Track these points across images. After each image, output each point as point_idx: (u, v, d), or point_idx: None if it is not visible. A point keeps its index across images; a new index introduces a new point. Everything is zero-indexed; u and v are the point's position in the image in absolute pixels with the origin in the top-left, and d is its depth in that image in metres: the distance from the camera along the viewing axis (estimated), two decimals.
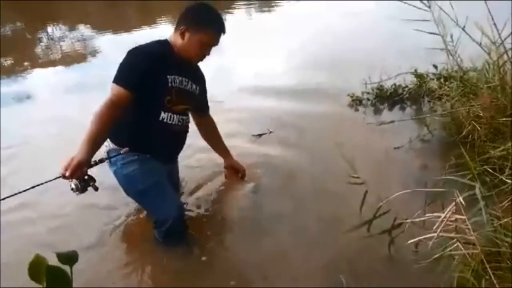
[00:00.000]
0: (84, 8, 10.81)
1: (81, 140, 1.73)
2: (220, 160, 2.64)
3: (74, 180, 1.68)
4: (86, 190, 1.73)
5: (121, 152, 1.85)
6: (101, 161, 1.82)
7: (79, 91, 4.56)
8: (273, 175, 2.65)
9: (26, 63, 6.24)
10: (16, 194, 1.52)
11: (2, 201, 1.49)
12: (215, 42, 2.06)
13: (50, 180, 1.62)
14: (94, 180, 1.75)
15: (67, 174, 1.64)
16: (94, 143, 1.74)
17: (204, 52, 2.05)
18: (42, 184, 1.58)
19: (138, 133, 2.01)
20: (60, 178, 1.66)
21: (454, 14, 2.72)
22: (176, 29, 2.04)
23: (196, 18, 2.02)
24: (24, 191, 1.54)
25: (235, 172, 2.58)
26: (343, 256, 1.96)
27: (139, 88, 1.87)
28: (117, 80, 1.88)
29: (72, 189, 1.70)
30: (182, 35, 2.00)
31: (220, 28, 2.04)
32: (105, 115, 1.79)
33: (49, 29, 8.42)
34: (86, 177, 1.72)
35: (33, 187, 1.56)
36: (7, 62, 6.22)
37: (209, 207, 2.41)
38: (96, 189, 1.76)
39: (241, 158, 2.68)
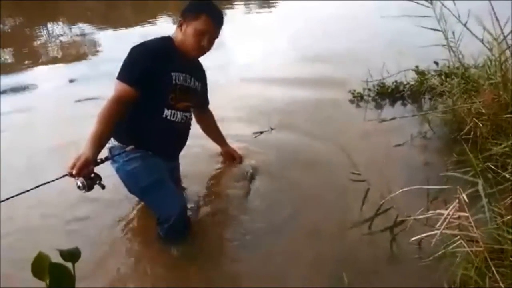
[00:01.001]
0: (83, 6, 10.78)
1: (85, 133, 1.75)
2: (216, 150, 2.74)
3: (81, 178, 1.66)
4: (93, 188, 1.72)
5: (127, 149, 1.84)
6: (107, 159, 1.82)
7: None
8: (273, 173, 2.64)
9: (25, 56, 6.25)
10: (20, 194, 1.50)
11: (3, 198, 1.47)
12: (210, 29, 1.99)
13: (56, 179, 1.61)
14: (100, 178, 1.74)
15: (74, 172, 1.63)
16: (100, 141, 1.75)
17: (200, 41, 1.98)
18: (48, 182, 1.57)
19: (141, 130, 2.01)
20: (67, 177, 1.65)
21: (456, 10, 2.71)
22: (177, 26, 2.04)
23: (190, 7, 2.02)
24: (29, 190, 1.53)
25: (232, 158, 2.70)
26: (345, 253, 1.95)
27: (143, 85, 1.87)
28: (121, 76, 1.88)
29: (78, 187, 1.69)
30: (181, 27, 2.01)
31: (213, 14, 2.00)
32: (110, 113, 1.79)
33: (49, 26, 8.38)
34: (92, 175, 1.71)
35: (38, 186, 1.55)
36: (6, 54, 6.23)
37: (210, 201, 2.41)
38: (103, 187, 1.75)
39: (240, 152, 2.75)
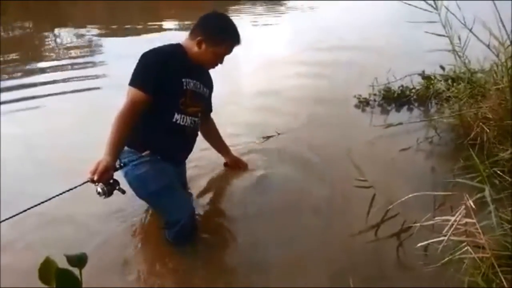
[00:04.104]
0: (91, 9, 10.88)
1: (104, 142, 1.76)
2: (219, 158, 2.71)
3: (100, 184, 1.68)
4: (112, 193, 1.74)
5: (143, 154, 1.87)
6: (125, 164, 1.85)
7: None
8: (279, 177, 2.64)
9: (31, 59, 6.31)
10: (39, 204, 1.48)
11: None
12: (230, 52, 2.12)
13: (77, 186, 1.61)
14: (119, 183, 1.76)
15: (95, 178, 1.65)
16: (117, 146, 1.78)
17: (218, 62, 2.12)
18: (70, 190, 1.56)
19: (151, 134, 2.02)
20: (88, 183, 1.66)
21: (461, 15, 2.71)
22: (192, 36, 2.06)
23: (214, 31, 2.05)
24: (48, 200, 1.52)
25: (237, 167, 2.69)
26: (351, 260, 1.95)
27: (156, 90, 1.89)
28: (134, 83, 1.90)
29: (98, 193, 1.71)
30: (199, 45, 2.03)
31: (234, 40, 2.09)
32: (125, 118, 1.82)
33: (56, 31, 8.46)
34: (111, 180, 1.73)
35: (59, 194, 1.54)
36: (13, 58, 6.28)
37: (215, 206, 2.42)
38: (123, 192, 1.77)
39: (247, 157, 2.76)
